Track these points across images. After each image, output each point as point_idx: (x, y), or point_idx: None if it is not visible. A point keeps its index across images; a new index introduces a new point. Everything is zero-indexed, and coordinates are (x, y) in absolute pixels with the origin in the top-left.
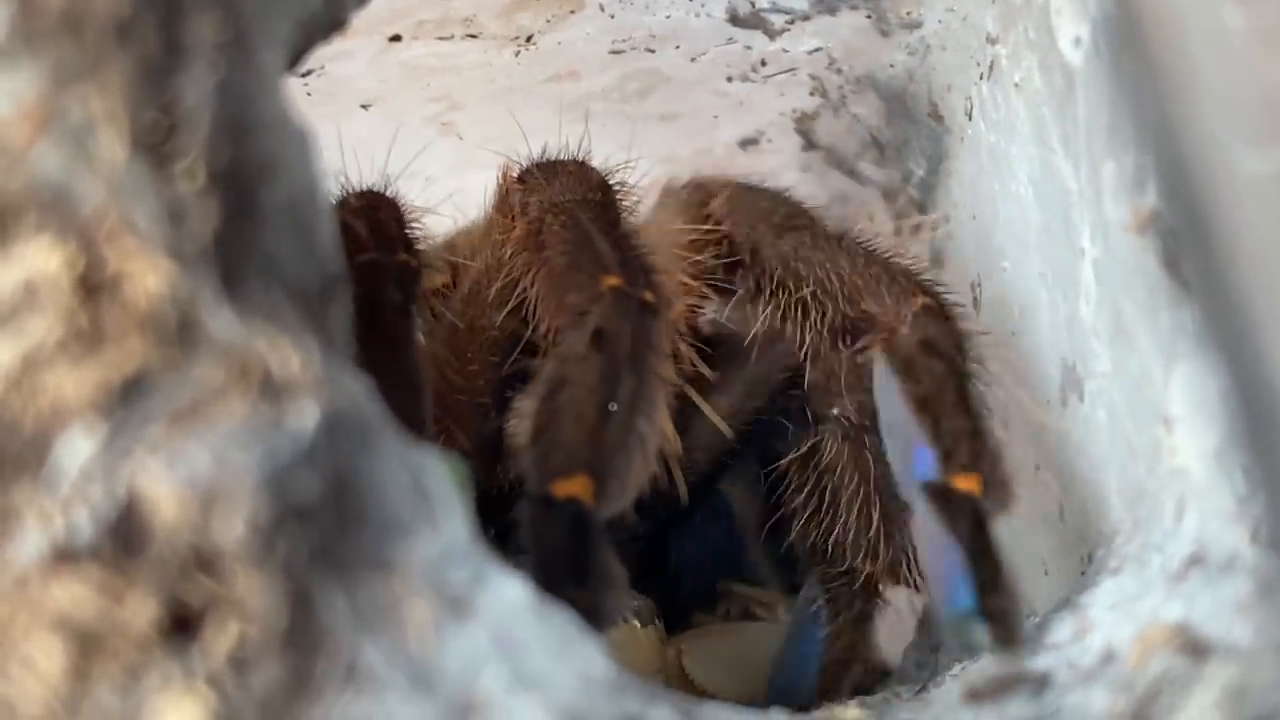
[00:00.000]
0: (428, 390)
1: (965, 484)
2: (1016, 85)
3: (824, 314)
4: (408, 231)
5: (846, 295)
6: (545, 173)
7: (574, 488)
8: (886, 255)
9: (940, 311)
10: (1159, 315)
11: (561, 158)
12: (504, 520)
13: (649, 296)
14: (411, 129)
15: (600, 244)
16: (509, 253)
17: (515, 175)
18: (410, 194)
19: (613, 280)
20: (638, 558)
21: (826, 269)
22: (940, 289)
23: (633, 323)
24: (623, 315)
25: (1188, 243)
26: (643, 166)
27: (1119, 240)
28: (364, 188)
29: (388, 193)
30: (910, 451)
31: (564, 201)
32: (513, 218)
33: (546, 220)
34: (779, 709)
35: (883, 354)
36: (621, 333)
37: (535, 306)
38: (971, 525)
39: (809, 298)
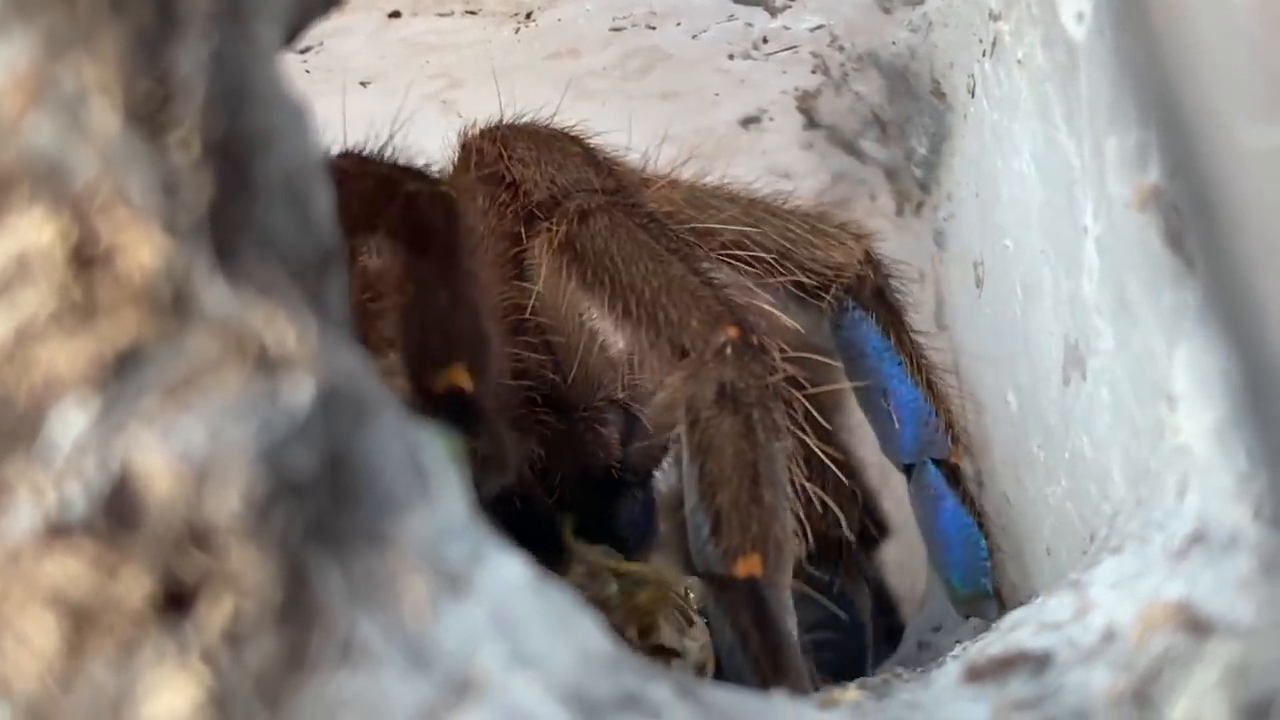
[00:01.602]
0: (488, 306)
1: (956, 455)
2: (1019, 62)
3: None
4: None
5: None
6: (536, 147)
7: (750, 566)
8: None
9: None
10: (1162, 292)
11: (541, 127)
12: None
13: (760, 342)
14: (410, 106)
15: (691, 281)
16: (543, 254)
17: (486, 136)
18: None
19: (732, 331)
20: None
21: (767, 228)
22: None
23: (758, 378)
24: (748, 371)
25: (1191, 219)
26: (643, 145)
27: (1122, 217)
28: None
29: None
30: (901, 418)
31: (602, 205)
32: (504, 186)
33: (592, 227)
34: (780, 690)
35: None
36: (750, 390)
37: (580, 318)
38: (972, 502)
39: (764, 260)
